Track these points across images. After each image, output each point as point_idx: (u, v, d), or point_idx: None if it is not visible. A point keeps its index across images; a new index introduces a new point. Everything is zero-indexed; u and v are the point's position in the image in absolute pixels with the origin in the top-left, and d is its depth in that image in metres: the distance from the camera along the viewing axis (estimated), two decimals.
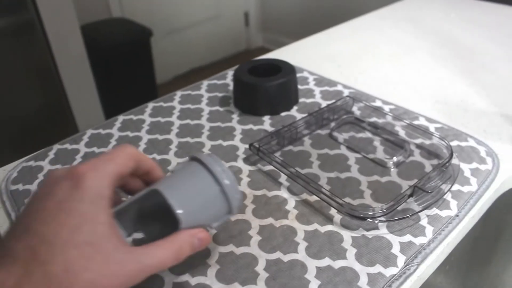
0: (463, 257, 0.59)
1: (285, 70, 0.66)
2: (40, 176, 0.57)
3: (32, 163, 0.59)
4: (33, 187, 0.55)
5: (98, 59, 1.84)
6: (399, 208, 0.48)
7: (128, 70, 1.98)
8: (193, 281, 0.42)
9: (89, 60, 1.70)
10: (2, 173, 0.59)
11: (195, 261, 0.44)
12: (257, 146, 0.56)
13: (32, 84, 1.59)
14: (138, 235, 0.45)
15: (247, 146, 0.60)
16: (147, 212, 0.40)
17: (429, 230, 0.46)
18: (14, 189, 0.55)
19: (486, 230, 0.62)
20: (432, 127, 0.62)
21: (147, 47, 1.99)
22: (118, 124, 0.66)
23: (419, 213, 0.48)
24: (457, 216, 0.48)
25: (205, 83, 0.76)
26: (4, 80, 1.50)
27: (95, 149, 0.61)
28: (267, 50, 3.01)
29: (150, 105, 0.70)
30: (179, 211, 0.36)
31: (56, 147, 0.62)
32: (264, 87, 0.64)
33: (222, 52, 2.87)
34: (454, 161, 0.54)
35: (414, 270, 0.43)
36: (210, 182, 0.39)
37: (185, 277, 0.42)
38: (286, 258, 0.44)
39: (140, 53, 1.98)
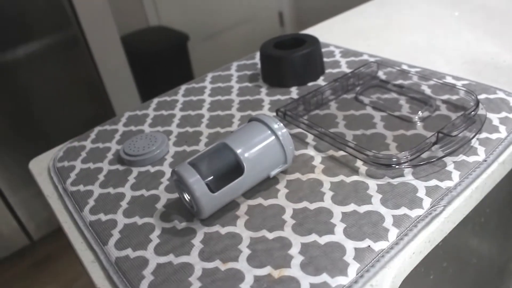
0: (500, 212, 0.59)
1: (309, 41, 0.68)
2: (83, 154, 0.61)
3: (76, 143, 0.64)
4: (77, 163, 0.59)
5: (138, 67, 1.92)
6: (424, 156, 0.48)
7: (168, 75, 2.05)
8: (223, 230, 0.44)
9: (130, 68, 1.77)
10: (50, 154, 0.64)
11: (225, 214, 0.46)
12: (283, 110, 0.57)
13: (79, 96, 1.68)
14: None
15: (274, 113, 0.61)
16: (216, 163, 0.48)
17: (456, 175, 0.46)
18: (60, 166, 0.59)
19: None
20: (459, 84, 0.61)
21: (184, 51, 2.05)
22: (153, 105, 0.70)
23: (446, 160, 0.48)
24: (485, 161, 0.48)
25: (235, 64, 0.79)
26: (53, 93, 1.60)
27: (132, 127, 0.65)
28: None
29: (183, 87, 0.74)
30: (243, 158, 0.45)
31: (97, 129, 0.66)
32: (289, 58, 0.65)
33: None
34: (481, 111, 0.54)
35: (441, 212, 0.43)
36: (268, 134, 0.47)
37: (216, 228, 0.45)
38: (313, 206, 0.45)
39: (178, 58, 2.04)
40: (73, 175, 0.57)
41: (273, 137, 0.47)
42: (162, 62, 1.99)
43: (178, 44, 2.02)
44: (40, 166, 0.62)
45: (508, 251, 0.67)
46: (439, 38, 0.78)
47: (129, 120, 0.67)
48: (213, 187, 0.48)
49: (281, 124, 0.47)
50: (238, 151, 0.45)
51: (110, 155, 0.59)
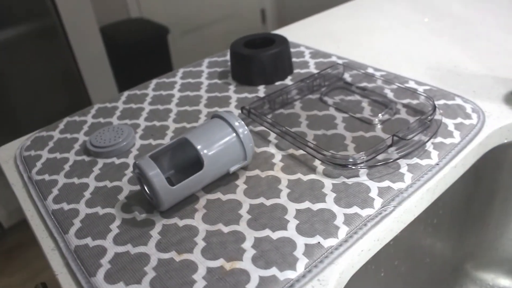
0: (453, 214, 0.61)
1: (278, 41, 0.69)
2: (51, 144, 0.61)
3: (44, 133, 0.64)
4: (44, 152, 0.60)
5: (117, 58, 1.91)
6: (380, 157, 0.50)
7: (147, 68, 2.04)
8: (181, 223, 0.45)
9: (109, 59, 1.77)
10: (18, 143, 0.64)
11: (184, 207, 0.47)
12: (248, 108, 0.59)
13: (56, 86, 1.67)
14: None
15: (240, 111, 0.63)
16: (178, 158, 0.50)
17: (408, 177, 0.48)
18: (26, 155, 0.60)
19: (479, 190, 0.64)
20: (420, 89, 0.64)
21: (164, 44, 2.05)
22: (123, 98, 0.70)
23: (400, 163, 0.50)
24: (437, 164, 0.50)
25: (206, 60, 0.80)
26: (29, 82, 1.58)
27: (101, 119, 0.65)
28: None
29: (154, 81, 0.75)
30: (202, 153, 0.46)
31: (66, 119, 0.67)
32: (258, 57, 0.67)
33: None
34: (438, 116, 0.56)
35: (391, 212, 0.45)
36: (229, 131, 0.48)
37: (174, 220, 0.46)
38: (269, 202, 0.47)
39: (158, 51, 2.04)
40: (39, 164, 0.57)
41: (234, 134, 0.48)
42: (141, 54, 1.99)
43: (158, 37, 2.02)
44: (7, 154, 0.62)
45: (462, 252, 0.70)
46: (407, 43, 0.80)
47: (98, 112, 0.68)
48: (174, 180, 0.50)
49: (242, 122, 0.49)
50: (199, 146, 0.46)
51: (77, 146, 0.60)
